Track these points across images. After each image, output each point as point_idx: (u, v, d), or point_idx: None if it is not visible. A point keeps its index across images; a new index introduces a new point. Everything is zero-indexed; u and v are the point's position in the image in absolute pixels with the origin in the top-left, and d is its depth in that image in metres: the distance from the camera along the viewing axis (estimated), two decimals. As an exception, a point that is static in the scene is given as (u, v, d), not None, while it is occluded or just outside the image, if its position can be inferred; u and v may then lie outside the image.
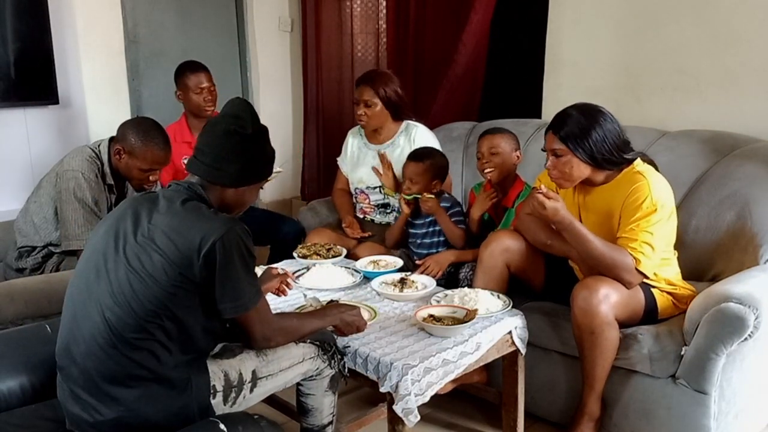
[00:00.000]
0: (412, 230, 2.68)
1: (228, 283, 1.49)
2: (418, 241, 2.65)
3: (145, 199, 1.59)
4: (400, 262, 2.46)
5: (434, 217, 2.58)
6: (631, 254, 1.96)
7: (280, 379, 1.66)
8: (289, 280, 2.07)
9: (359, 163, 3.02)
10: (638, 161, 2.07)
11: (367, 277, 2.34)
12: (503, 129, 2.60)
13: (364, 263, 2.46)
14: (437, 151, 2.70)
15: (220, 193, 1.61)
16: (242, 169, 1.60)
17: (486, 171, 2.53)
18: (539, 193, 1.98)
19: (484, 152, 2.52)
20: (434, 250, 2.60)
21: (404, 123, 2.98)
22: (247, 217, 2.91)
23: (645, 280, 2.06)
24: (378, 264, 2.45)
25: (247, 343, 1.63)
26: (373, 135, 2.99)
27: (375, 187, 2.96)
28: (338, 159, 3.13)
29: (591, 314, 1.96)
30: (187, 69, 3.01)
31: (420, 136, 2.93)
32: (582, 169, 2.04)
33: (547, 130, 2.09)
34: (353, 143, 3.07)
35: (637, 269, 1.97)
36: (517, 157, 2.55)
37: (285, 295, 2.09)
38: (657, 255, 1.98)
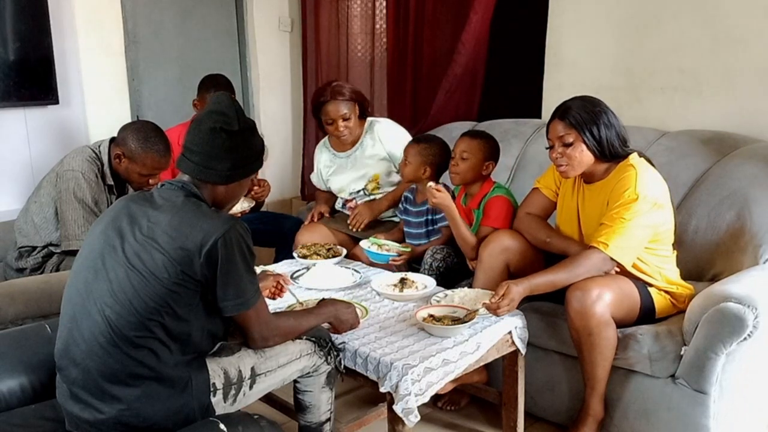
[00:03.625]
0: (406, 220, 2.72)
1: (230, 281, 1.50)
2: (409, 220, 2.70)
3: (140, 198, 1.59)
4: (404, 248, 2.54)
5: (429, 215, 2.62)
6: (596, 246, 1.98)
7: (278, 375, 1.67)
8: (282, 281, 2.08)
9: (335, 173, 3.01)
10: (634, 155, 2.08)
11: (372, 260, 2.46)
12: (485, 135, 2.48)
13: (367, 244, 2.51)
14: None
15: (212, 190, 1.61)
16: (232, 166, 1.59)
17: (450, 173, 2.49)
18: (499, 307, 1.95)
19: (456, 153, 2.46)
20: (424, 241, 2.63)
21: (367, 121, 2.97)
22: (250, 218, 2.96)
23: (642, 279, 2.07)
24: (381, 248, 2.50)
25: (246, 344, 1.64)
26: (339, 144, 2.98)
27: (358, 191, 2.96)
28: (311, 175, 3.12)
29: (587, 315, 1.96)
30: (212, 87, 2.97)
31: (384, 131, 2.92)
32: (587, 156, 2.05)
33: (550, 121, 2.10)
34: (322, 159, 3.05)
35: (606, 254, 1.97)
36: (487, 167, 2.45)
37: (281, 297, 2.09)
38: (632, 242, 1.99)
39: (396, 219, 2.91)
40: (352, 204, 2.97)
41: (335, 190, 3.03)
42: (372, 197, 2.94)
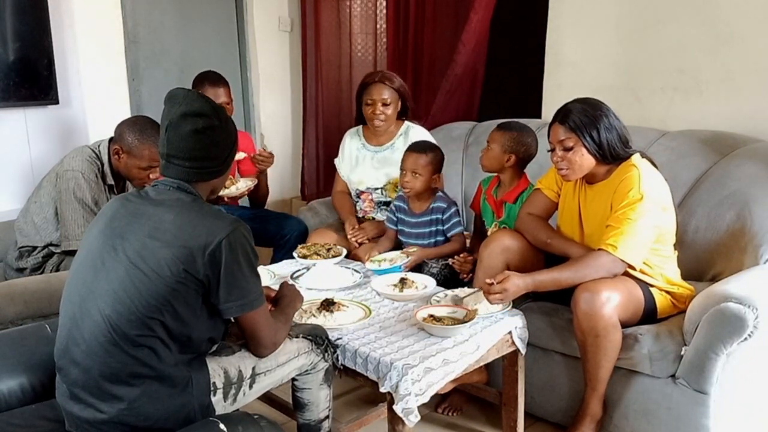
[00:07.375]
0: (402, 227, 2.69)
1: (233, 282, 1.50)
2: (408, 231, 2.66)
3: (135, 196, 1.58)
4: (403, 258, 2.45)
5: (429, 220, 2.60)
6: (604, 249, 1.97)
7: (277, 374, 1.67)
8: None
9: (358, 164, 3.01)
10: (636, 156, 2.08)
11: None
12: (518, 127, 2.47)
13: (374, 265, 2.40)
14: (435, 144, 2.68)
15: (207, 183, 1.62)
16: (224, 156, 1.60)
17: (482, 163, 2.52)
18: (491, 293, 1.96)
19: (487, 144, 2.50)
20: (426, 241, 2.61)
21: (405, 125, 2.97)
22: (250, 217, 2.95)
23: (644, 280, 2.07)
24: (387, 262, 2.42)
25: (255, 351, 1.62)
26: (373, 136, 2.99)
27: (376, 188, 2.96)
28: (335, 160, 3.12)
29: (595, 317, 1.95)
30: (206, 81, 2.95)
31: (417, 138, 2.92)
32: (588, 160, 2.05)
33: (551, 124, 2.09)
34: (351, 145, 3.05)
35: (616, 256, 1.96)
36: (510, 159, 2.45)
37: None
38: (640, 242, 1.98)
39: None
40: (368, 199, 2.97)
41: (355, 181, 3.01)
42: (388, 200, 2.91)
